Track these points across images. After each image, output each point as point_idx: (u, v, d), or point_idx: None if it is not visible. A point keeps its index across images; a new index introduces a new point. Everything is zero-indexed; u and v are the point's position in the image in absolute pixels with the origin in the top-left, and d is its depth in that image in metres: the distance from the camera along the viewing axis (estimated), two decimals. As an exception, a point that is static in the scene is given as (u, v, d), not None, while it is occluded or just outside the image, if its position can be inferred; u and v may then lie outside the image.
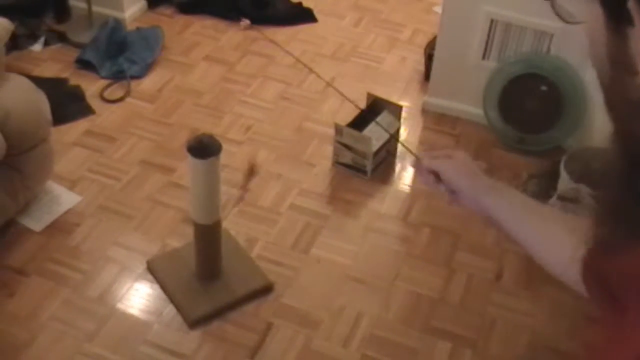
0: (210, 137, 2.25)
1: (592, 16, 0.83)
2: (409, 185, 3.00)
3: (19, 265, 2.58)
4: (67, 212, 2.78)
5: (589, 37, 0.88)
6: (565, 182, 2.65)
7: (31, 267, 2.57)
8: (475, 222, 2.81)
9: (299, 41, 3.79)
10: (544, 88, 2.98)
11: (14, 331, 2.36)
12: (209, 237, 2.41)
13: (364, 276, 2.60)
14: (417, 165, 1.45)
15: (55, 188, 2.86)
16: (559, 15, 0.96)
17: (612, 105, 0.82)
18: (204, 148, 2.19)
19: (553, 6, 0.97)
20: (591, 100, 2.93)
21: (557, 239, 1.22)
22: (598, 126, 2.88)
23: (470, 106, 3.25)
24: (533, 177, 2.92)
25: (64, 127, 3.12)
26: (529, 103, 3.05)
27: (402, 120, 3.09)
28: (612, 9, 0.79)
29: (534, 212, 1.29)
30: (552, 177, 2.78)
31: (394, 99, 3.19)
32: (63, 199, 2.83)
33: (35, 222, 2.73)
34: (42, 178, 2.76)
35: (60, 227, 2.72)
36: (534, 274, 2.62)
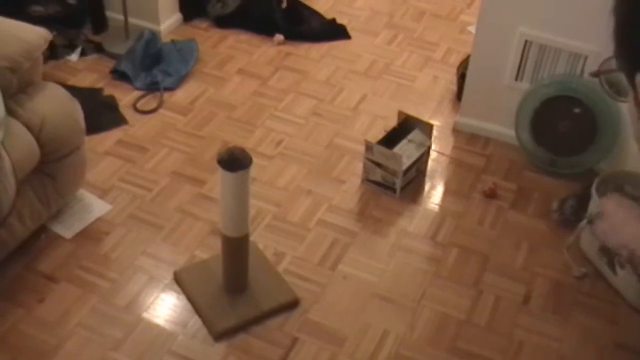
0: (241, 150, 2.26)
1: (630, 95, 0.84)
2: (438, 205, 2.99)
3: (49, 271, 2.60)
4: (97, 220, 2.80)
5: (630, 115, 0.88)
6: (596, 206, 2.62)
7: (61, 273, 2.60)
8: (504, 244, 2.79)
9: (332, 57, 3.81)
10: (577, 110, 2.96)
11: (42, 337, 2.38)
12: (236, 250, 2.42)
13: (391, 294, 2.59)
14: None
15: (87, 196, 2.88)
16: (606, 91, 0.98)
17: None
18: (234, 161, 2.20)
19: (601, 83, 0.98)
20: (625, 124, 2.90)
21: None
22: (631, 150, 2.85)
23: (502, 127, 3.23)
24: (564, 200, 2.90)
25: (97, 137, 3.16)
26: (561, 125, 3.02)
27: (433, 139, 3.09)
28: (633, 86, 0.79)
29: None
30: (583, 200, 2.75)
31: (425, 117, 3.18)
32: (94, 207, 2.85)
33: (66, 229, 2.75)
34: (74, 186, 2.79)
35: (90, 234, 2.75)
36: (562, 299, 2.59)
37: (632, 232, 1.32)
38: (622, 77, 0.87)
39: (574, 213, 2.81)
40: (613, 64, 0.90)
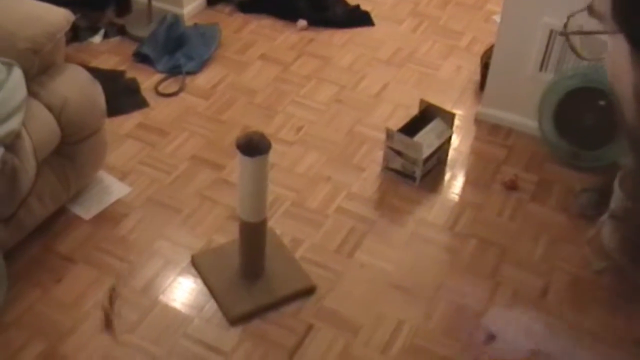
0: (260, 135, 2.25)
1: (617, 50, 0.81)
2: (457, 195, 2.97)
3: (67, 252, 2.62)
4: (116, 203, 2.81)
5: (612, 71, 0.86)
6: (618, 200, 2.59)
7: (79, 254, 2.61)
8: (523, 236, 2.77)
9: (355, 44, 3.78)
10: (602, 103, 2.92)
11: (59, 317, 2.40)
12: (254, 235, 2.42)
13: (407, 284, 2.57)
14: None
15: (106, 178, 2.89)
16: (572, 49, 0.95)
17: (636, 139, 0.80)
18: (253, 146, 2.19)
19: (567, 39, 0.95)
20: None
21: None
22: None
23: (525, 118, 3.20)
24: (585, 191, 2.86)
25: (118, 119, 3.17)
26: (585, 118, 2.99)
27: (454, 128, 3.06)
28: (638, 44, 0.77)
29: None
30: (605, 194, 2.72)
31: (447, 107, 3.16)
32: (113, 189, 2.86)
33: (85, 210, 2.77)
34: (94, 168, 2.80)
35: (108, 216, 2.76)
36: (581, 293, 2.57)
37: None
38: (595, 37, 0.84)
39: (595, 207, 2.78)
40: (583, 25, 0.87)
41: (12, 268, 2.45)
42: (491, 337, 1.34)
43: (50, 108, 2.47)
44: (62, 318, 2.40)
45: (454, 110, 3.12)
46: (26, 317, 2.39)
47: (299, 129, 3.21)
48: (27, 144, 2.35)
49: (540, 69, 3.10)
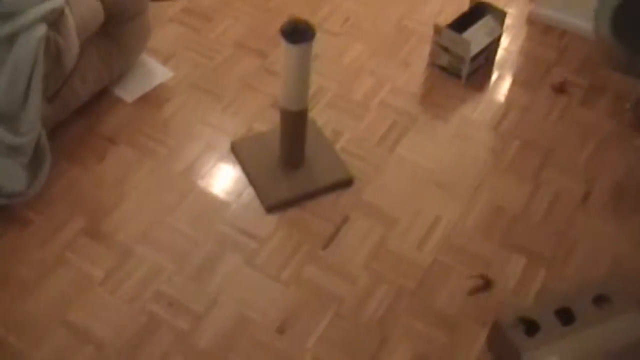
0: (305, 23, 2.20)
1: None
2: (504, 95, 2.90)
3: (110, 133, 2.63)
4: (159, 86, 2.81)
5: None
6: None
7: (121, 136, 2.62)
8: (568, 140, 2.71)
9: None
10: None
11: (100, 195, 2.44)
12: (294, 124, 2.40)
13: (447, 181, 2.55)
14: None
15: (150, 62, 2.88)
16: None
17: None
18: (298, 33, 2.15)
19: None
20: None
21: None
22: None
23: (580, 19, 3.08)
24: (638, 103, 2.78)
25: (162, 4, 3.13)
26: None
27: (505, 27, 2.96)
28: None
29: None
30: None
31: (500, 4, 3.05)
32: (156, 72, 2.85)
33: (128, 93, 2.77)
34: (138, 50, 2.78)
35: (151, 100, 2.76)
36: (623, 200, 2.53)
37: None
38: None
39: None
40: None
41: (55, 146, 2.48)
42: None
43: (94, -14, 2.44)
44: (103, 196, 2.44)
45: (507, 9, 3.01)
46: (69, 194, 2.43)
47: (346, 19, 3.14)
48: (70, 22, 2.34)
49: (601, -33, 2.96)
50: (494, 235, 2.41)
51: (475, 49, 2.83)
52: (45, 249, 2.28)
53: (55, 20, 2.27)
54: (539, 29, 3.18)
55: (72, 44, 2.37)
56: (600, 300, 2.11)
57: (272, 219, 2.40)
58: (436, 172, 2.58)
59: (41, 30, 2.19)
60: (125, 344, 2.08)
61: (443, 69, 2.92)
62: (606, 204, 2.51)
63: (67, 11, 2.32)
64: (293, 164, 2.50)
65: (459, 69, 2.87)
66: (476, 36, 2.86)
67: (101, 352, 2.07)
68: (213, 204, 2.44)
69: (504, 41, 3.06)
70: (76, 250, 2.29)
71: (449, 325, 2.17)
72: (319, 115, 2.71)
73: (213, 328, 2.13)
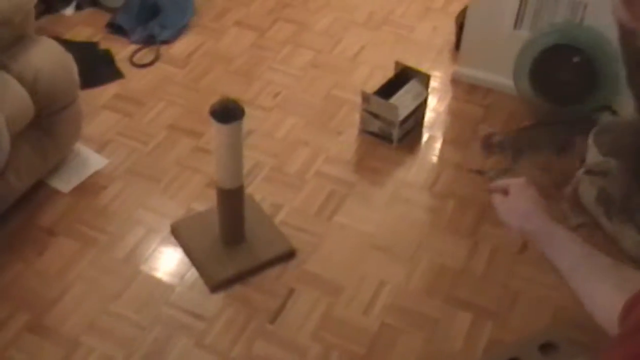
0: (234, 101, 2.25)
1: None
2: (436, 155, 2.98)
3: (48, 225, 2.62)
4: (95, 174, 2.81)
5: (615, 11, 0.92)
6: (594, 155, 2.62)
7: (59, 227, 2.61)
8: (501, 193, 2.79)
9: (331, 8, 3.77)
10: (576, 59, 2.93)
11: (42, 289, 2.41)
12: (232, 201, 2.42)
13: (388, 245, 2.59)
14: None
15: (84, 150, 2.89)
16: None
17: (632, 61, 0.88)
18: (227, 112, 2.19)
19: None
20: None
21: (608, 298, 1.18)
22: (630, 100, 2.82)
23: (502, 77, 3.20)
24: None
25: (93, 91, 3.15)
26: (561, 75, 3.00)
27: (430, 89, 3.06)
28: None
29: (589, 266, 1.27)
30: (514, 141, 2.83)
31: (424, 68, 3.15)
32: (91, 161, 2.86)
33: (64, 183, 2.76)
34: (71, 140, 2.79)
35: (88, 188, 2.76)
36: (559, 247, 2.59)
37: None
38: None
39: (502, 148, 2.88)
40: None
41: (-7, 242, 2.46)
42: None
43: (22, 81, 2.45)
44: (46, 290, 2.41)
45: (431, 72, 3.12)
46: (10, 290, 2.40)
47: (276, 94, 3.21)
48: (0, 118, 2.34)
49: (515, 26, 3.10)
50: (439, 293, 2.44)
51: (403, 112, 2.92)
52: (-13, 349, 2.24)
53: (-15, 118, 2.27)
54: (464, 88, 3.29)
55: (3, 140, 2.37)
56: (547, 347, 2.16)
57: (218, 297, 2.40)
58: (376, 236, 2.62)
59: (-29, 129, 2.19)
60: None
61: (374, 134, 2.99)
62: (542, 253, 2.57)
63: (-4, 108, 2.33)
64: (234, 241, 2.51)
65: (390, 134, 2.95)
66: (403, 100, 2.95)
67: None
68: (157, 288, 2.43)
69: (431, 102, 3.16)
70: (21, 348, 2.24)
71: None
72: (257, 190, 2.75)
73: (166, 414, 2.10)
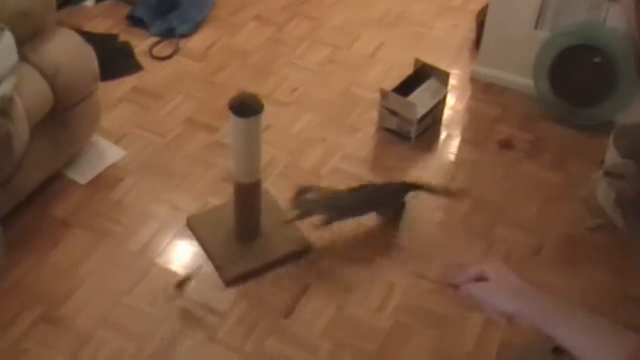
0: (253, 96, 2.25)
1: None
2: (453, 154, 2.97)
3: (64, 217, 2.63)
4: (111, 167, 2.82)
5: (626, 16, 0.91)
6: (613, 157, 2.60)
7: (75, 219, 2.62)
8: (518, 195, 2.78)
9: (346, 6, 3.76)
10: (597, 60, 2.91)
11: (56, 281, 2.42)
12: (248, 196, 2.42)
13: (403, 244, 2.58)
14: (456, 292, 1.37)
15: (101, 142, 2.89)
16: None
17: None
18: (246, 107, 2.19)
19: None
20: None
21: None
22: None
23: (520, 76, 3.18)
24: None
25: (112, 83, 3.16)
26: (581, 75, 2.97)
27: (450, 88, 3.05)
28: None
29: (590, 333, 1.23)
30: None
31: (443, 66, 3.13)
32: (108, 153, 2.86)
33: (81, 175, 2.77)
34: (89, 132, 2.80)
35: (104, 181, 2.76)
36: (575, 251, 2.58)
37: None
38: None
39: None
40: None
41: (8, 234, 2.45)
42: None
43: (42, 73, 2.46)
44: (60, 283, 2.41)
45: (450, 70, 3.11)
46: (23, 283, 2.41)
47: (294, 90, 3.21)
48: (20, 109, 2.35)
49: (536, 27, 3.08)
50: (450, 294, 2.43)
51: (422, 110, 2.90)
52: (2, 340, 2.25)
53: (4, 108, 2.28)
54: (482, 87, 3.28)
55: (23, 131, 2.38)
56: (559, 350, 2.14)
57: (232, 292, 2.40)
58: (392, 235, 2.61)
59: (-10, 119, 2.20)
60: None
61: (392, 132, 2.98)
62: (557, 256, 2.56)
63: (16, 98, 2.34)
64: (250, 237, 2.51)
65: (408, 131, 2.94)
66: (422, 98, 2.94)
67: None
68: (172, 281, 2.43)
69: (450, 101, 3.15)
70: (35, 339, 2.25)
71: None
72: (273, 186, 2.74)
73: (178, 408, 2.11)
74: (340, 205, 2.51)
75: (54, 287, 2.40)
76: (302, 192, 2.52)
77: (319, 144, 2.95)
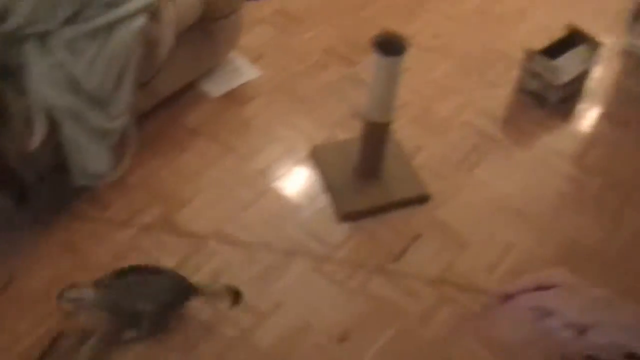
0: (398, 36, 2.20)
1: None
2: (591, 127, 2.84)
3: (193, 126, 2.68)
4: (245, 84, 2.84)
5: None
6: None
7: (204, 129, 2.67)
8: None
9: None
10: None
11: (178, 186, 2.48)
12: (376, 135, 2.40)
13: (523, 209, 2.51)
14: (503, 304, 1.13)
15: (238, 60, 2.92)
16: None
17: None
18: (390, 45, 2.15)
19: None
20: None
21: None
22: None
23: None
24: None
25: (257, 3, 3.16)
26: None
27: (598, 58, 2.91)
28: None
29: None
30: None
31: (595, 33, 2.98)
32: (244, 71, 2.89)
33: (215, 88, 2.81)
34: (228, 47, 2.83)
35: (236, 97, 2.79)
36: None
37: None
38: None
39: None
40: None
41: (139, 134, 2.53)
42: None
43: (195, -19, 2.49)
44: (183, 186, 2.48)
45: (602, 39, 2.95)
46: (149, 181, 2.48)
47: (437, 36, 3.13)
48: (170, 15, 2.38)
49: None
50: (567, 266, 2.35)
51: (565, 77, 2.79)
52: (121, 232, 2.33)
53: (155, 11, 2.32)
54: (635, 62, 3.11)
55: (169, 37, 2.41)
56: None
57: (345, 227, 2.40)
58: (513, 198, 2.54)
59: (141, 20, 2.23)
60: (190, 334, 2.11)
61: (531, 94, 2.87)
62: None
63: (168, 4, 2.37)
64: (370, 175, 2.50)
65: (547, 96, 2.83)
66: (568, 64, 2.81)
67: (165, 340, 2.10)
68: (287, 207, 2.46)
69: (597, 72, 3.00)
70: (149, 238, 2.33)
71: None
72: (400, 129, 2.70)
73: (275, 329, 2.14)
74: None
75: (175, 190, 2.47)
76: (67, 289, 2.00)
77: (454, 94, 2.89)
